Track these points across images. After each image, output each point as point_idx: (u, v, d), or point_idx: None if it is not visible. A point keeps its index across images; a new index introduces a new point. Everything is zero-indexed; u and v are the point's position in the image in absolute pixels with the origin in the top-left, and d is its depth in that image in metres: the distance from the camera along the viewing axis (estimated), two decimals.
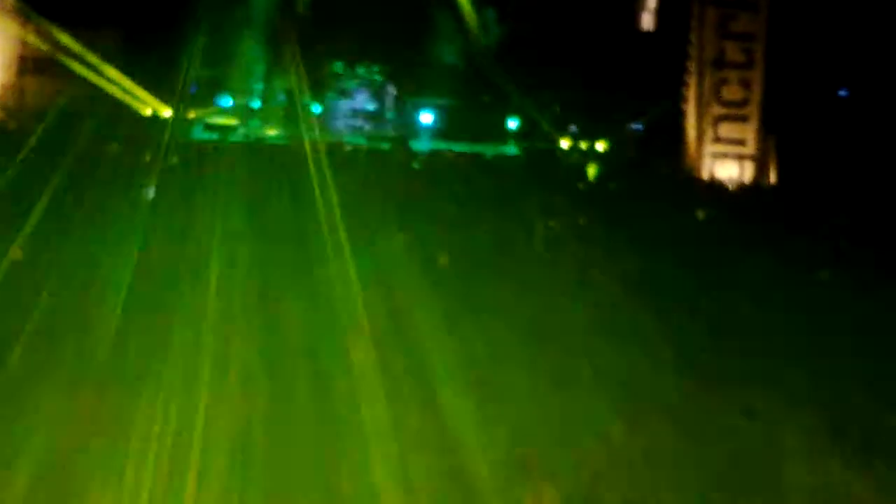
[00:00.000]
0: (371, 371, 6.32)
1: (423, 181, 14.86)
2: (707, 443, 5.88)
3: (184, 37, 17.99)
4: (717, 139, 16.65)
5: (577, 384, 6.62)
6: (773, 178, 16.66)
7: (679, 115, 16.98)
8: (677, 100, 17.00)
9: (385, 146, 17.88)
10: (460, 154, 17.45)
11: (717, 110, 16.63)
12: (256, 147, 17.24)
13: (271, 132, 18.53)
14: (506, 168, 17.12)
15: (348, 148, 17.33)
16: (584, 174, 16.80)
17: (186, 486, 4.80)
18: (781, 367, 7.22)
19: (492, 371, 6.80)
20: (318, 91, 18.77)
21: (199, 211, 10.44)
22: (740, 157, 16.64)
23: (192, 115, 18.18)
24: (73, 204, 10.71)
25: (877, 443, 5.98)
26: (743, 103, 16.65)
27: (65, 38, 16.95)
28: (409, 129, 18.71)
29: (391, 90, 19.17)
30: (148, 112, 17.63)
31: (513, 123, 18.59)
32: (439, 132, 18.61)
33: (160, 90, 17.59)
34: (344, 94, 19.13)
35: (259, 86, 19.05)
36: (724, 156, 16.65)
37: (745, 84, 16.66)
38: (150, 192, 12.04)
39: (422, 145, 18.10)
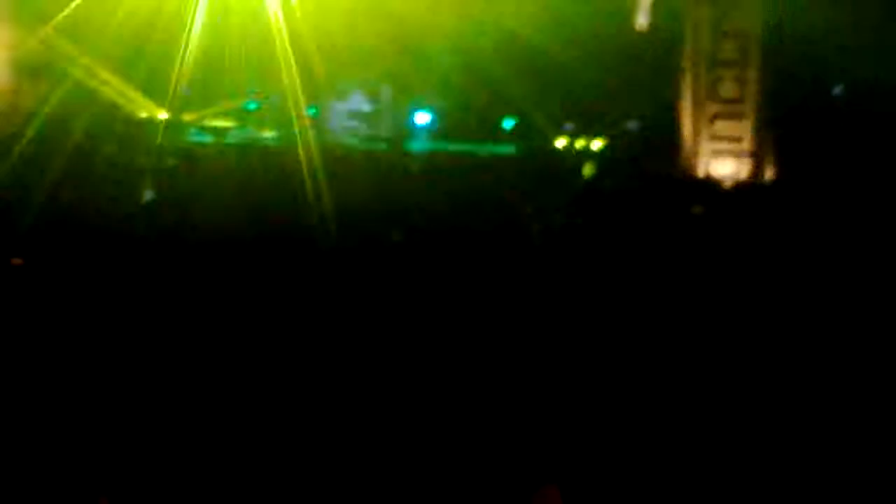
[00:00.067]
0: None
1: (419, 182, 14.87)
2: None
3: (179, 40, 18.02)
4: (714, 137, 16.65)
5: None
6: (770, 174, 16.65)
7: (674, 113, 16.98)
8: (673, 98, 17.00)
9: (381, 147, 17.91)
10: (456, 154, 17.48)
11: (713, 108, 16.63)
12: (251, 149, 17.24)
13: (267, 134, 18.55)
14: (501, 168, 17.11)
15: (343, 150, 17.35)
16: (580, 173, 16.82)
17: None
18: None
19: None
20: (313, 93, 18.77)
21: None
22: (737, 155, 16.64)
23: (187, 117, 18.19)
24: (71, 205, 10.72)
25: None
26: (738, 101, 16.65)
27: (59, 42, 16.93)
28: (405, 129, 18.73)
29: (386, 91, 19.20)
30: (143, 115, 17.62)
31: (508, 123, 18.62)
32: (435, 133, 18.64)
33: (155, 93, 17.59)
34: (339, 95, 19.16)
35: (254, 88, 19.07)
36: (721, 153, 16.65)
37: (741, 82, 16.66)
38: (148, 195, 12.10)
39: (418, 146, 18.13)
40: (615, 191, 15.64)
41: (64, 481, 5.02)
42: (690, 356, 7.41)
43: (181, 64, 18.02)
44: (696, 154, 16.66)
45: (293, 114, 18.73)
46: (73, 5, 16.29)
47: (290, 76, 18.92)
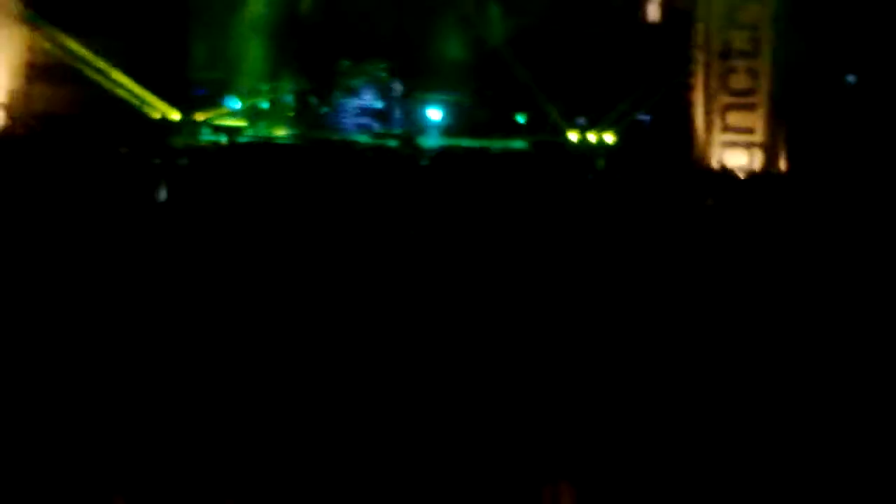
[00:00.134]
0: None
1: (431, 178, 14.88)
2: None
3: (191, 39, 18.11)
4: (726, 128, 16.62)
5: None
6: (783, 165, 16.62)
7: (686, 105, 16.96)
8: (684, 90, 16.98)
9: (392, 144, 17.93)
10: (468, 149, 17.49)
11: (725, 99, 16.60)
12: (264, 147, 17.30)
13: (279, 132, 18.63)
14: (514, 162, 17.12)
15: (355, 146, 17.39)
16: (592, 166, 16.82)
17: None
18: None
19: None
20: (324, 90, 18.84)
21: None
22: (749, 146, 16.61)
23: (199, 117, 18.29)
24: (84, 206, 10.75)
25: None
26: (750, 92, 16.61)
27: (72, 44, 17.03)
28: (417, 125, 18.75)
29: (398, 87, 19.21)
30: (157, 115, 17.73)
31: (521, 118, 18.62)
32: (447, 128, 18.65)
33: (168, 93, 17.70)
34: (350, 92, 19.19)
35: (266, 86, 19.14)
36: (733, 144, 16.62)
37: (753, 73, 16.62)
38: (163, 194, 12.14)
39: (430, 142, 18.14)
40: (628, 183, 15.62)
41: (79, 481, 5.05)
42: (705, 349, 7.40)
43: (194, 63, 18.13)
44: (708, 145, 16.64)
45: (305, 112, 18.82)
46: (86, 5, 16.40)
47: (301, 74, 18.99)
